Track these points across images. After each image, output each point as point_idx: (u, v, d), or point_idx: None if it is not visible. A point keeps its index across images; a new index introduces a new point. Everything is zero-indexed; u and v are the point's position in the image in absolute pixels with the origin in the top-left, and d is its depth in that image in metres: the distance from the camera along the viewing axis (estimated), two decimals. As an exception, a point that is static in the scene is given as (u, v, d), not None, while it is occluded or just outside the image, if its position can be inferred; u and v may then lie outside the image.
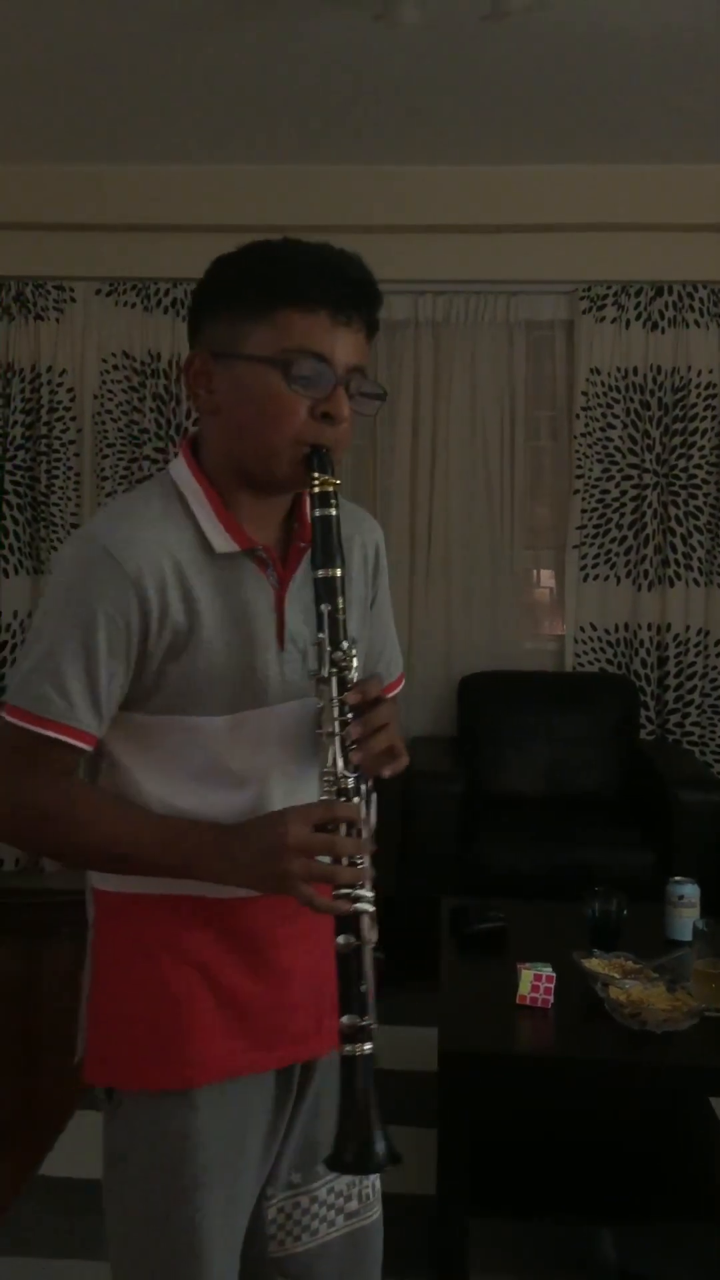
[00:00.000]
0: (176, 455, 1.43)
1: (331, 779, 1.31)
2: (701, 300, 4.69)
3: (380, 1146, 1.27)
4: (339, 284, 1.31)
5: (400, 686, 1.63)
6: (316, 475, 1.33)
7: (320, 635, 1.33)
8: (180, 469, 1.40)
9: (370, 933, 1.28)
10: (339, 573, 1.34)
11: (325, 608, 1.33)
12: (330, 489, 1.33)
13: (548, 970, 2.38)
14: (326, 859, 1.27)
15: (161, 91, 3.92)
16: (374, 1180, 1.59)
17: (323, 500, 1.33)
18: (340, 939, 1.28)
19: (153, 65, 3.70)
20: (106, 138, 4.34)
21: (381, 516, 4.87)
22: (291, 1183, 1.53)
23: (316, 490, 1.33)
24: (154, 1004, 1.39)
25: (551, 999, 2.36)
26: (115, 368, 4.85)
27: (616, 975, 2.40)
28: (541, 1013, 2.36)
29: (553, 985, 2.36)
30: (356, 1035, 1.27)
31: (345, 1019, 1.27)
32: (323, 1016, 1.44)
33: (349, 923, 1.28)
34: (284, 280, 1.30)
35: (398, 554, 4.88)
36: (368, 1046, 1.28)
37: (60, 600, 1.32)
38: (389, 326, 4.69)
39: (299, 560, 1.41)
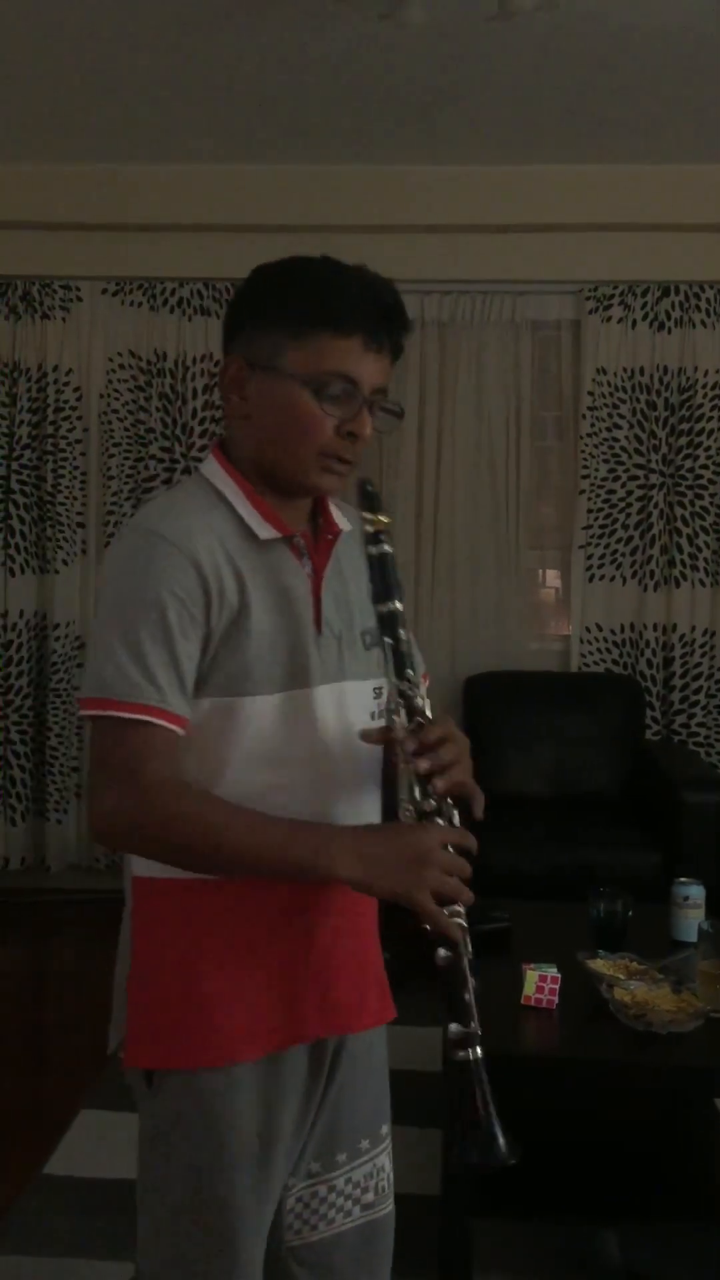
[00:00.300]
0: (208, 457, 1.50)
1: (412, 808, 1.38)
2: (708, 300, 4.69)
3: (503, 1141, 1.34)
4: (374, 313, 1.40)
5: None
6: (367, 514, 1.44)
7: (390, 669, 1.42)
8: (213, 468, 1.48)
9: (467, 946, 1.36)
10: (399, 606, 1.43)
11: (388, 641, 1.42)
12: (381, 527, 1.43)
13: (553, 971, 2.38)
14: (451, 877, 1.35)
15: (168, 91, 3.92)
16: (389, 1174, 1.64)
17: (375, 539, 1.43)
18: (441, 952, 1.35)
19: (160, 65, 3.71)
20: (112, 137, 4.34)
21: (386, 515, 4.87)
22: (311, 1172, 1.56)
23: (369, 529, 1.44)
24: (196, 982, 1.42)
25: (556, 1000, 2.36)
26: (121, 367, 4.86)
27: (621, 976, 2.40)
28: (546, 1013, 2.35)
29: (557, 986, 2.36)
30: (466, 1041, 1.36)
31: (454, 1027, 1.35)
32: (366, 993, 1.52)
33: (447, 941, 1.35)
34: (324, 306, 1.38)
35: (403, 554, 4.88)
36: (479, 1050, 1.36)
37: (127, 591, 1.36)
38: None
39: (329, 551, 1.50)
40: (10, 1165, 2.81)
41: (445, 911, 1.34)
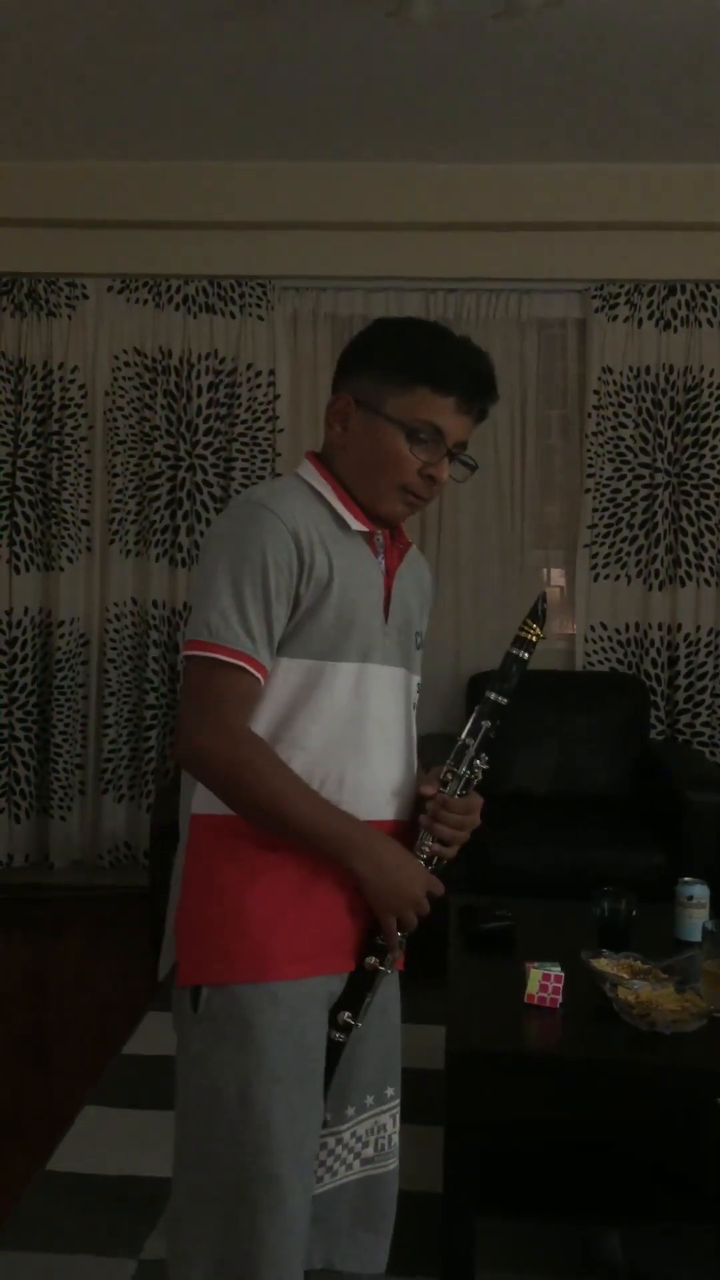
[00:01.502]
0: (304, 463, 1.72)
1: (428, 852, 1.67)
2: (714, 299, 4.68)
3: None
4: (471, 380, 1.64)
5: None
6: (530, 622, 1.68)
7: (470, 741, 1.69)
8: (310, 472, 1.69)
9: (390, 965, 1.66)
10: (507, 703, 1.69)
11: (486, 724, 1.70)
12: (534, 638, 1.68)
13: (556, 970, 2.38)
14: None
15: (173, 88, 3.92)
16: (391, 1134, 1.76)
17: (524, 644, 1.69)
18: (373, 959, 1.64)
19: (165, 61, 3.71)
20: (118, 134, 4.34)
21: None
22: (325, 1122, 1.64)
23: (526, 635, 1.69)
24: (242, 908, 1.57)
25: (560, 999, 2.35)
26: (127, 364, 4.86)
27: (625, 975, 2.39)
28: (549, 1012, 2.35)
29: (561, 985, 2.36)
30: (346, 1029, 1.64)
31: (345, 1015, 1.63)
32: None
33: (381, 951, 1.64)
34: (430, 366, 1.61)
35: (408, 552, 4.88)
36: (340, 1037, 1.64)
37: (236, 550, 1.56)
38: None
39: (401, 556, 1.74)
40: (14, 1162, 2.81)
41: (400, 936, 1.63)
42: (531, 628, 1.69)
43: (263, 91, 3.93)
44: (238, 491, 4.71)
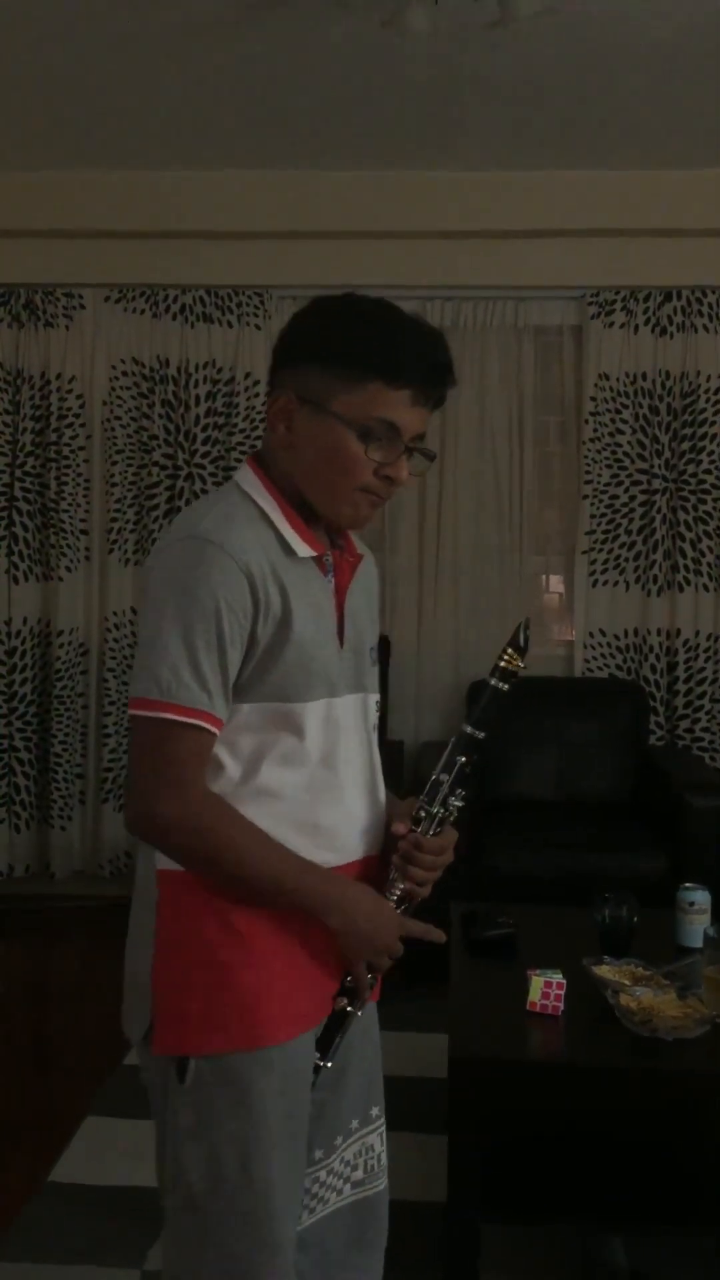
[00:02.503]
0: (241, 466, 1.57)
1: (400, 893, 1.58)
2: (710, 305, 4.69)
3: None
4: (427, 371, 1.49)
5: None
6: (510, 651, 1.58)
7: (445, 777, 1.58)
8: (251, 482, 1.54)
9: (360, 1008, 1.60)
10: (484, 736, 1.59)
11: (460, 759, 1.59)
12: (516, 668, 1.58)
13: (558, 977, 2.38)
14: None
15: (170, 98, 3.93)
16: (379, 1154, 1.71)
17: (505, 675, 1.59)
18: (344, 1001, 1.57)
19: (162, 72, 3.72)
20: (115, 144, 4.35)
21: (390, 521, 4.89)
22: (314, 1159, 1.61)
23: (507, 666, 1.59)
24: (230, 969, 1.47)
25: (562, 1005, 2.35)
26: (124, 374, 4.87)
27: (627, 982, 2.39)
28: (551, 1019, 2.35)
29: (563, 992, 2.36)
30: (315, 1070, 1.56)
31: (319, 1059, 1.56)
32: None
33: (355, 994, 1.57)
34: (381, 358, 1.45)
35: (407, 558, 4.89)
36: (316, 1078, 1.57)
37: (181, 594, 1.42)
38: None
39: (351, 571, 1.61)
40: (17, 1172, 2.80)
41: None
42: (513, 657, 1.59)
43: (259, 101, 3.94)
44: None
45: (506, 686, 1.59)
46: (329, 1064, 1.57)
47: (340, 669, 1.55)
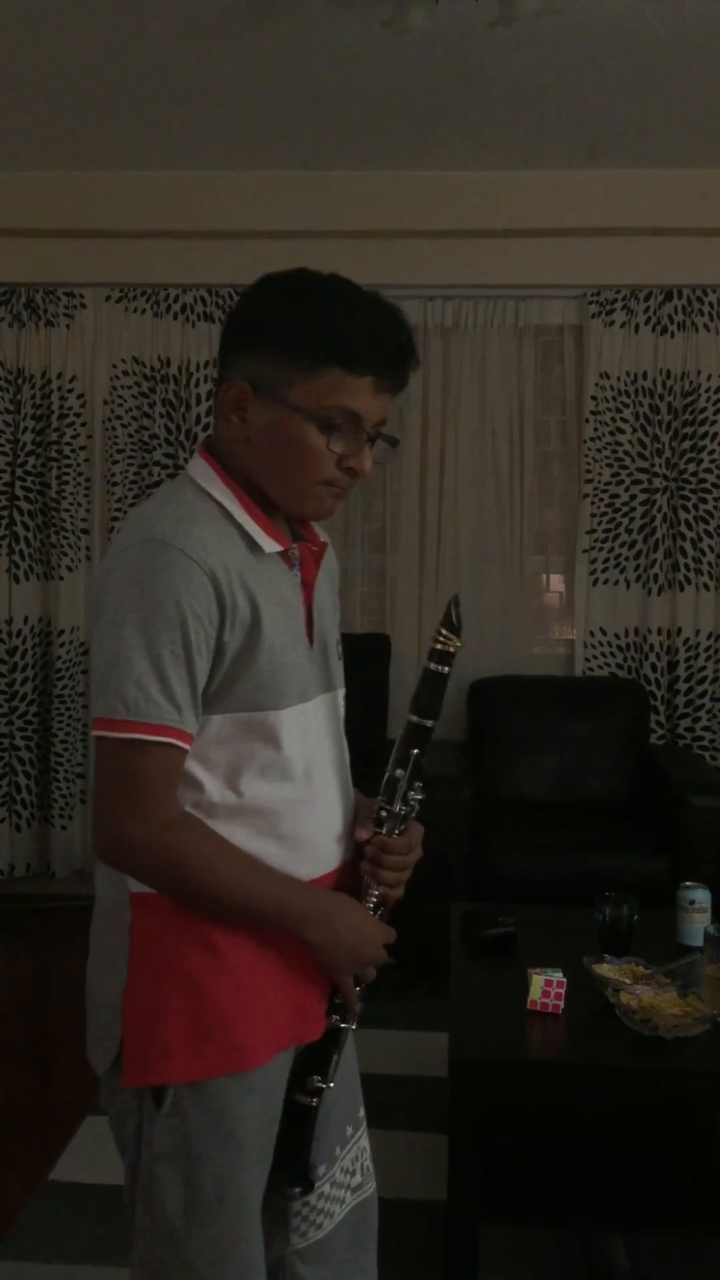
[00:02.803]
0: (194, 457, 1.47)
1: (376, 899, 1.52)
2: (711, 304, 4.69)
3: (311, 1177, 1.56)
4: (387, 355, 1.39)
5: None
6: (444, 631, 1.50)
7: (400, 773, 1.52)
8: (206, 474, 1.44)
9: (351, 1018, 1.54)
10: (432, 725, 1.52)
11: (414, 751, 1.52)
12: (453, 649, 1.50)
13: (559, 976, 2.38)
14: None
15: (171, 98, 3.93)
16: (367, 1149, 1.69)
17: (442, 658, 1.51)
18: (336, 1018, 1.51)
19: (163, 71, 3.72)
20: (115, 144, 4.35)
21: (390, 521, 4.89)
22: (318, 1174, 1.59)
23: (442, 648, 1.50)
24: (208, 994, 1.40)
25: (562, 1004, 2.35)
26: (125, 374, 4.87)
27: (627, 981, 2.39)
28: (552, 1018, 2.35)
29: (563, 991, 2.36)
30: (316, 1092, 1.52)
31: (315, 1079, 1.51)
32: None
33: (341, 1009, 1.52)
34: (338, 344, 1.36)
35: (407, 558, 4.89)
36: (318, 1101, 1.53)
37: (142, 604, 1.32)
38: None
39: (317, 563, 1.53)
40: (16, 1172, 2.80)
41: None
42: (448, 639, 1.50)
43: (260, 101, 3.93)
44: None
45: (447, 669, 1.51)
46: (330, 1084, 1.52)
47: (311, 670, 1.48)
